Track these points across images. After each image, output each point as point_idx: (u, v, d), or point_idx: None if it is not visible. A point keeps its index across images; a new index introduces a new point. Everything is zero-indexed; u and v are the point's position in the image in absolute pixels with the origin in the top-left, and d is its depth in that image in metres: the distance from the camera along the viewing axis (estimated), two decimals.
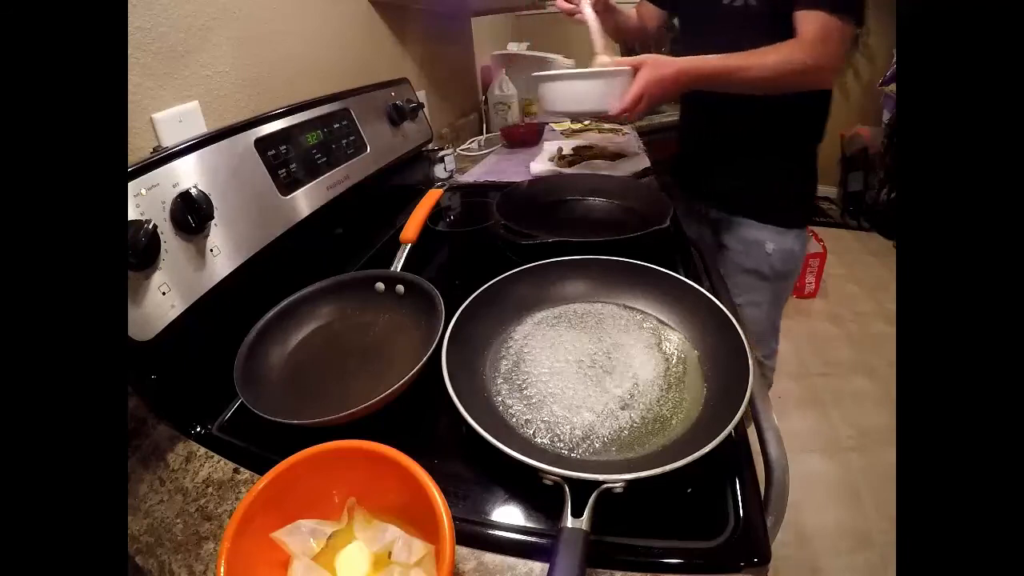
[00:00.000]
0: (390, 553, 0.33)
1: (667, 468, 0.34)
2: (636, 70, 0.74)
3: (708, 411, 0.44)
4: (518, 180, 0.97)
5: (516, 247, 0.69)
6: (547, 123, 1.58)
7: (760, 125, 0.88)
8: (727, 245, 1.00)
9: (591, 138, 1.42)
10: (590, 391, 0.48)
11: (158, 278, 0.46)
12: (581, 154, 1.19)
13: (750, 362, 0.44)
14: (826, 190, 3.05)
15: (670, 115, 2.34)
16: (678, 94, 0.92)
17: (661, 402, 0.46)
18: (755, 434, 0.48)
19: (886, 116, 2.64)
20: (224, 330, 0.53)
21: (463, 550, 0.36)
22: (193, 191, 0.49)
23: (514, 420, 0.45)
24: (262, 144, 0.61)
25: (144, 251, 0.43)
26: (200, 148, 0.53)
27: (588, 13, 0.86)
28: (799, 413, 1.60)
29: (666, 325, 0.56)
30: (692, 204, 1.08)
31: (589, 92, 0.76)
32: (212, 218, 0.51)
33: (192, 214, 0.48)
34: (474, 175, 1.20)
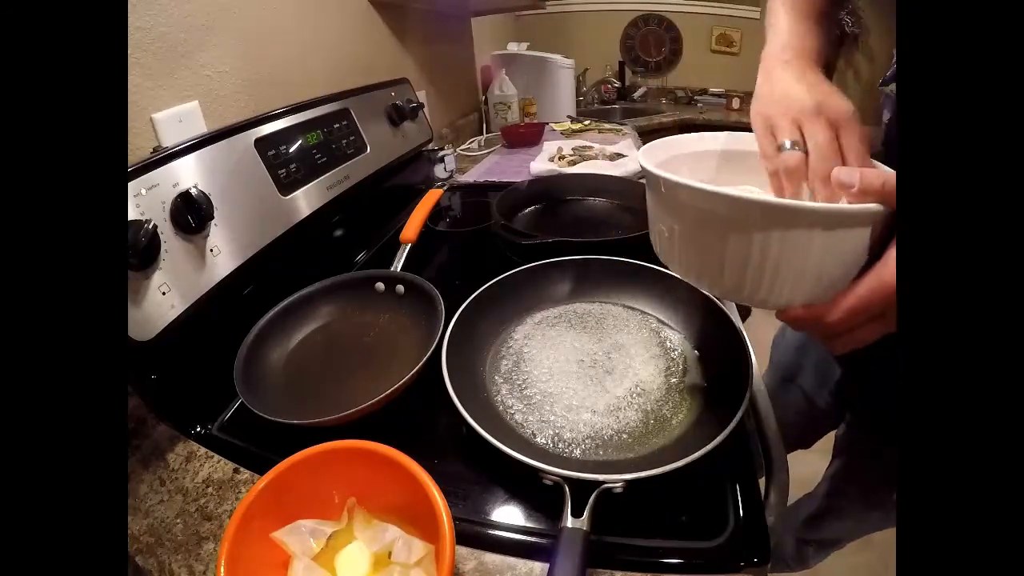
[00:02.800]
0: (390, 553, 0.33)
1: (667, 468, 0.34)
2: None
3: (708, 411, 0.44)
4: (518, 180, 0.96)
5: (516, 247, 0.69)
6: (547, 123, 1.58)
7: None
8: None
9: (591, 138, 1.41)
10: (590, 391, 0.48)
11: (158, 278, 0.46)
12: (581, 154, 1.19)
13: (751, 362, 0.44)
14: None
15: (671, 115, 2.31)
16: None
17: (661, 402, 0.46)
18: (755, 434, 0.48)
19: (886, 116, 2.63)
20: (224, 330, 0.53)
21: (463, 550, 0.36)
22: (193, 191, 0.49)
23: (514, 420, 0.45)
24: (262, 144, 0.61)
25: (144, 251, 0.43)
26: (200, 148, 0.53)
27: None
28: None
29: (666, 325, 0.56)
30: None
31: (796, 258, 0.30)
32: (212, 218, 0.51)
33: (192, 214, 0.48)
34: (474, 175, 1.20)
